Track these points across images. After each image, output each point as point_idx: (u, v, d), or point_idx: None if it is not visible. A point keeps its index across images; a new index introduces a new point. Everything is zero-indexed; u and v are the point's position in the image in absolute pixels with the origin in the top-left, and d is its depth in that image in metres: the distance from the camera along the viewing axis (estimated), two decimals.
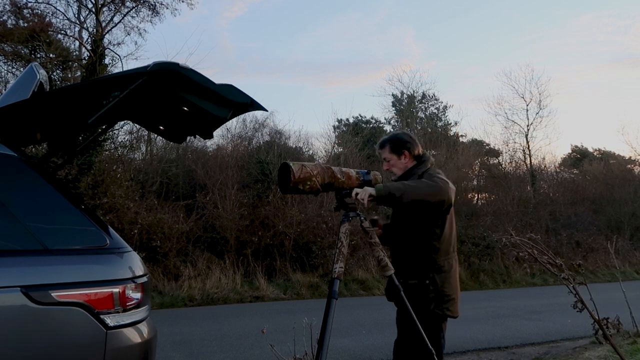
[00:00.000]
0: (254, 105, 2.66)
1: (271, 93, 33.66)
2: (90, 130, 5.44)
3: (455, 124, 23.58)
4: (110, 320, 1.96)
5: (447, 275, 2.84)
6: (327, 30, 37.72)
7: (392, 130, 23.33)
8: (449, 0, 38.84)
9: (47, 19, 12.69)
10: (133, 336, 2.03)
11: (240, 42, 36.59)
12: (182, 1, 13.95)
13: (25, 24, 12.19)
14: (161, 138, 10.26)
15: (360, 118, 23.15)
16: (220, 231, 11.14)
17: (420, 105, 23.48)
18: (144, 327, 2.10)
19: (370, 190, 2.64)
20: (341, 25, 37.51)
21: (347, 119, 22.71)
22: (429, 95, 23.30)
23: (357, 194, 2.66)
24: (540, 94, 21.05)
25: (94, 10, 13.05)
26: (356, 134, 20.03)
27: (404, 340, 2.92)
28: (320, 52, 37.05)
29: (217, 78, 2.31)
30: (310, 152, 17.65)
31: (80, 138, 5.27)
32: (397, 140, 3.03)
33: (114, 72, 12.21)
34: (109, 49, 12.86)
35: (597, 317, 4.48)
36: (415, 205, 2.65)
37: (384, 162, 3.06)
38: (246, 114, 3.62)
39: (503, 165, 21.25)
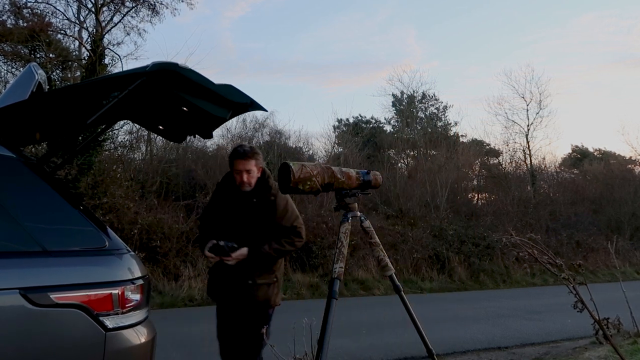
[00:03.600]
0: (253, 106, 2.65)
1: (272, 93, 33.70)
2: (90, 130, 5.44)
3: (456, 124, 23.58)
4: (110, 322, 1.95)
5: (282, 272, 3.28)
6: (329, 31, 37.76)
7: (392, 130, 23.34)
8: (451, 0, 38.86)
9: (47, 19, 12.68)
10: (132, 338, 2.02)
11: (242, 42, 36.64)
12: (182, 1, 13.96)
13: (25, 24, 12.18)
14: (161, 138, 10.26)
15: (360, 118, 23.18)
16: None
17: (420, 105, 23.47)
18: (143, 329, 2.09)
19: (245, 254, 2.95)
20: (343, 26, 37.55)
21: (347, 119, 22.75)
22: (429, 95, 23.32)
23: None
24: (540, 94, 21.06)
25: (93, 10, 13.04)
26: (356, 134, 20.04)
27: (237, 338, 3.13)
28: (321, 52, 37.10)
29: (218, 78, 2.31)
30: (310, 152, 17.66)
31: (80, 138, 5.26)
32: (261, 155, 3.11)
33: (114, 72, 12.22)
34: (109, 48, 12.86)
35: (597, 317, 4.47)
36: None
37: (244, 173, 3.02)
38: (246, 113, 3.62)
39: (503, 165, 21.26)
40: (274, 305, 3.17)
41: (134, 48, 27.46)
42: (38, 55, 12.60)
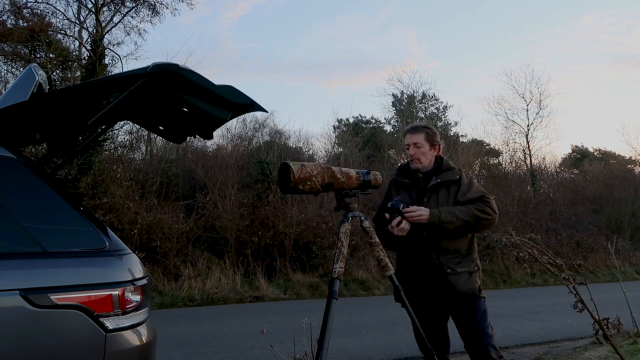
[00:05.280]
0: (253, 106, 2.65)
1: (272, 93, 33.70)
2: (90, 131, 5.45)
3: (456, 124, 23.54)
4: (110, 323, 1.95)
5: (477, 255, 3.01)
6: (329, 31, 37.74)
7: (392, 130, 23.34)
8: (451, 0, 38.86)
9: (47, 19, 12.69)
10: (132, 339, 2.02)
11: (242, 42, 36.60)
12: (182, 1, 13.98)
13: (25, 24, 12.18)
14: (161, 138, 10.26)
15: (360, 118, 23.16)
16: (220, 231, 11.14)
17: (420, 105, 23.46)
18: (143, 330, 2.09)
19: (425, 214, 2.76)
20: (343, 26, 37.53)
21: (347, 119, 22.73)
22: (429, 95, 23.31)
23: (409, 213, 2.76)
24: (540, 94, 21.04)
25: (93, 10, 13.05)
26: (356, 134, 20.01)
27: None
28: (321, 52, 37.08)
29: (219, 78, 2.32)
30: (310, 152, 17.64)
31: (80, 138, 5.27)
32: (435, 132, 3.03)
33: (114, 72, 12.22)
34: (109, 49, 12.87)
35: (597, 317, 4.47)
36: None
37: (412, 147, 2.97)
38: (246, 114, 3.61)
39: (503, 165, 21.22)
40: (481, 296, 2.91)
41: (134, 48, 27.63)
42: (38, 56, 12.61)
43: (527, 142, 20.64)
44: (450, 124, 23.44)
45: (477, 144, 21.61)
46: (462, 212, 2.78)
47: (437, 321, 2.96)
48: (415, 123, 3.16)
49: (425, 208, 2.79)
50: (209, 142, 14.40)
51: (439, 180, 2.90)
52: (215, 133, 3.11)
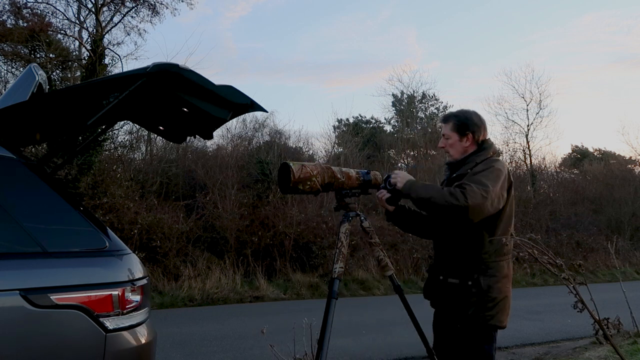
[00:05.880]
0: (253, 106, 2.65)
1: (272, 93, 33.70)
2: (90, 131, 5.45)
3: None
4: (110, 323, 1.96)
5: (496, 279, 2.49)
6: (330, 30, 37.75)
7: (392, 130, 23.36)
8: (451, 0, 38.87)
9: (47, 19, 12.69)
10: (132, 339, 2.02)
11: (242, 42, 36.60)
12: (182, 1, 13.98)
13: (25, 24, 12.18)
14: (161, 138, 10.26)
15: (360, 118, 23.19)
16: (220, 231, 11.14)
17: (420, 105, 23.48)
18: (143, 330, 2.09)
19: (400, 179, 2.58)
20: (343, 25, 37.54)
21: (347, 119, 22.76)
22: (429, 95, 23.33)
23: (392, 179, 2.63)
24: (540, 94, 21.02)
25: (93, 10, 13.05)
26: (356, 134, 20.02)
27: (442, 344, 2.73)
28: (321, 52, 37.09)
29: (219, 78, 2.32)
30: (310, 152, 17.64)
31: (80, 138, 5.27)
32: (465, 120, 2.66)
33: (114, 72, 12.22)
34: (109, 49, 12.87)
35: (597, 317, 4.46)
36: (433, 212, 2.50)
37: (442, 138, 2.72)
38: (246, 114, 3.61)
39: None
40: (479, 321, 2.51)
41: (134, 48, 27.64)
42: (38, 56, 12.61)
43: (527, 142, 20.65)
44: None
45: None
46: (433, 189, 2.49)
47: (442, 330, 2.72)
48: (448, 111, 2.87)
49: (406, 174, 2.60)
50: (209, 142, 14.41)
51: (454, 175, 2.64)
52: (215, 133, 3.11)
